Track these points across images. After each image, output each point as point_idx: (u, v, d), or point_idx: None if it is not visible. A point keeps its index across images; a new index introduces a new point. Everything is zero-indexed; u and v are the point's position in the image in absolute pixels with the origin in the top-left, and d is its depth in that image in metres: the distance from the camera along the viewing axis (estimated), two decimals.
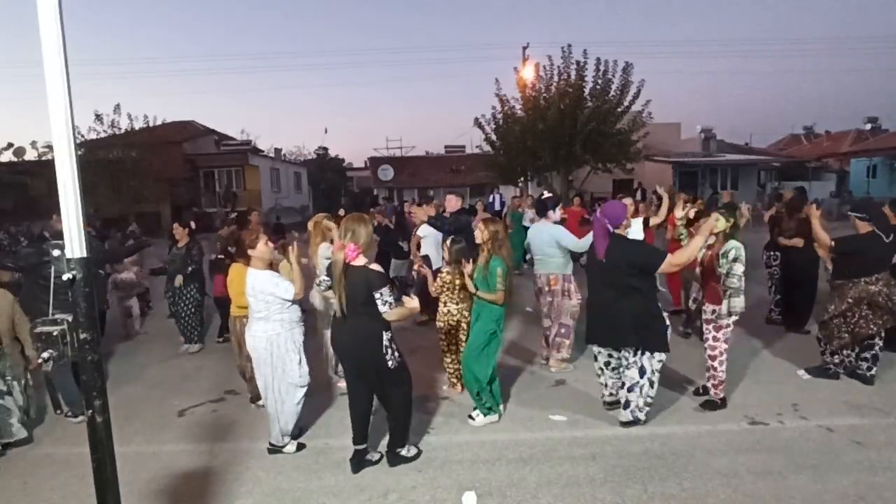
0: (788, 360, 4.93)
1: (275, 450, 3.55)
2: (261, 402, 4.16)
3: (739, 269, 3.80)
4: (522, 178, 19.20)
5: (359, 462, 3.30)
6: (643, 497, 2.94)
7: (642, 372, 3.61)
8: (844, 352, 4.41)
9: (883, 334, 4.29)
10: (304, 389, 3.53)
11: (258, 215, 7.04)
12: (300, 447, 3.60)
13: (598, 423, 3.80)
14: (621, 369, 3.76)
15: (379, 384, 3.22)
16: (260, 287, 3.37)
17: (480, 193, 24.46)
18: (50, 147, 20.39)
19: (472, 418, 3.89)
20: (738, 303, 3.82)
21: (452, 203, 5.97)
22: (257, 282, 3.39)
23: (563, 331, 4.83)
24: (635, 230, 5.11)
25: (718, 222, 3.86)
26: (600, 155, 16.74)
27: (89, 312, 1.63)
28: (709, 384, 4.04)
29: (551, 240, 4.66)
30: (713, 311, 3.92)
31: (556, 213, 4.89)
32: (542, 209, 5.00)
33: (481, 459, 3.40)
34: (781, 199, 7.12)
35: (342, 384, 4.73)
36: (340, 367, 4.94)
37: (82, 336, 1.63)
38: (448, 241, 4.32)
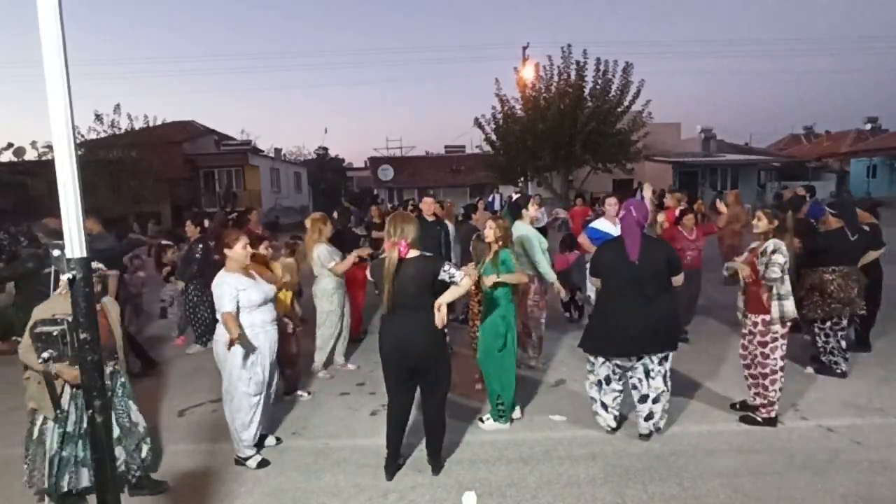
0: (788, 359, 4.91)
1: (239, 462, 3.39)
2: (293, 395, 4.37)
3: (780, 259, 3.48)
4: (522, 178, 19.21)
5: (395, 469, 3.25)
6: (643, 497, 2.94)
7: (665, 378, 3.45)
8: (827, 343, 4.58)
9: (844, 323, 4.54)
10: (257, 398, 3.34)
11: (257, 214, 7.03)
12: (263, 464, 3.38)
13: (598, 423, 3.79)
14: (633, 380, 3.51)
15: (431, 380, 3.13)
16: (214, 287, 3.28)
17: (480, 193, 24.46)
18: (50, 147, 20.40)
19: (482, 421, 3.85)
20: (790, 306, 3.54)
21: (428, 206, 5.64)
22: (215, 283, 3.29)
23: (536, 330, 4.89)
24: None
25: (760, 222, 3.69)
26: (600, 155, 16.78)
27: (89, 312, 1.63)
28: (755, 402, 3.78)
29: (520, 241, 4.57)
30: (755, 324, 3.66)
31: (531, 210, 4.82)
32: (515, 210, 4.88)
33: (481, 459, 3.40)
34: (782, 199, 7.15)
35: (350, 366, 5.03)
36: (339, 358, 5.07)
37: (82, 336, 1.63)
38: (474, 237, 4.41)
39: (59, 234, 4.19)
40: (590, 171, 17.81)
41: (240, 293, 3.26)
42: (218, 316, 3.24)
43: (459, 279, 2.99)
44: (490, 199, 18.17)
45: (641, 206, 3.52)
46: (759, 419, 3.71)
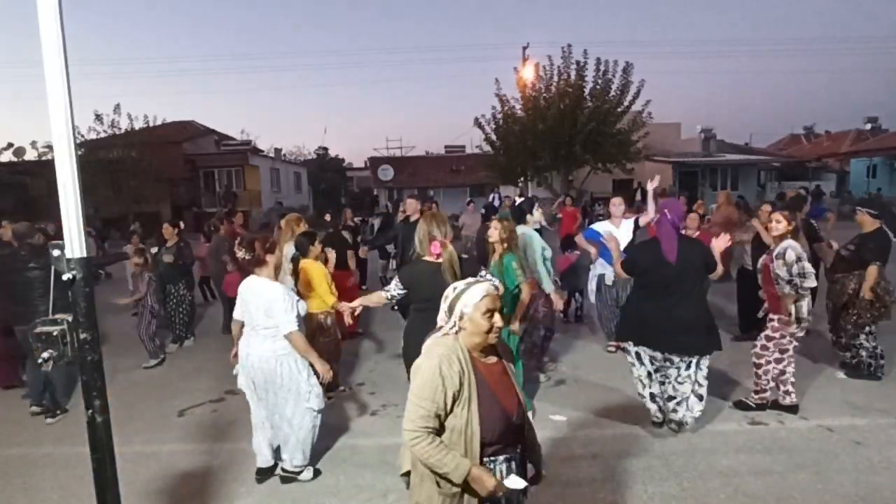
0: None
1: (289, 477, 3.17)
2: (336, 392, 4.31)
3: (809, 266, 3.58)
4: (522, 178, 19.22)
5: None
6: (643, 497, 2.94)
7: (697, 375, 3.47)
8: (855, 341, 4.47)
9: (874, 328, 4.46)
10: (321, 415, 3.19)
11: (242, 217, 7.07)
12: (317, 473, 3.26)
13: (598, 423, 3.79)
14: (674, 376, 3.52)
15: None
16: (271, 300, 2.98)
17: (480, 193, 24.49)
18: (50, 147, 20.44)
19: None
20: (804, 308, 3.63)
21: (413, 207, 5.69)
22: (270, 293, 2.99)
23: (546, 335, 4.64)
24: (625, 230, 5.02)
25: (779, 224, 3.71)
26: (600, 155, 16.79)
27: (89, 312, 1.63)
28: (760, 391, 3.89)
29: (523, 245, 4.37)
30: (771, 319, 3.77)
31: (537, 215, 4.63)
32: (520, 215, 4.72)
33: None
34: (784, 199, 7.15)
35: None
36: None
37: (82, 336, 1.62)
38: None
39: (25, 238, 4.23)
40: (590, 171, 17.81)
41: (298, 303, 3.10)
42: (287, 329, 2.96)
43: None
44: (490, 198, 18.19)
45: (676, 206, 3.51)
46: (751, 404, 3.87)
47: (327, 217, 6.85)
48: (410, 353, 2.97)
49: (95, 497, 1.72)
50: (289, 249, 4.65)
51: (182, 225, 6.50)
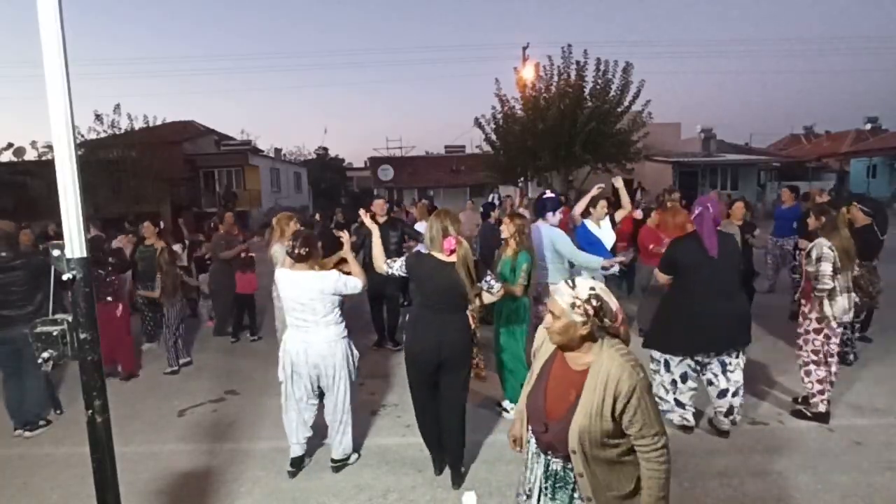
0: (789, 358, 4.91)
1: (340, 466, 3.34)
2: None
3: (826, 268, 3.55)
4: (522, 178, 19.20)
5: (444, 464, 3.25)
6: None
7: (741, 371, 3.49)
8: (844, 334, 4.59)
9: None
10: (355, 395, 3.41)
11: (232, 216, 7.09)
12: (359, 456, 3.49)
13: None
14: (708, 376, 3.54)
15: (456, 381, 3.07)
16: (329, 288, 3.07)
17: (480, 193, 24.48)
18: (50, 147, 20.44)
19: (507, 410, 3.94)
20: (837, 307, 3.60)
21: (380, 208, 5.68)
22: (325, 283, 3.06)
23: None
24: (606, 230, 5.10)
25: (809, 220, 3.87)
26: (600, 155, 16.74)
27: (89, 312, 1.63)
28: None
29: (549, 244, 4.28)
30: (802, 314, 3.78)
31: (556, 218, 4.48)
32: (540, 210, 4.57)
33: (481, 459, 3.40)
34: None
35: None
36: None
37: (82, 336, 1.62)
38: None
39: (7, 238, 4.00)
40: (589, 171, 17.78)
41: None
42: (359, 287, 3.16)
43: (496, 290, 3.09)
44: (490, 198, 18.18)
45: (715, 202, 3.53)
46: (808, 413, 3.77)
47: (317, 216, 6.87)
48: (414, 349, 3.04)
49: (95, 497, 1.72)
50: (275, 248, 4.68)
51: (161, 224, 6.42)
